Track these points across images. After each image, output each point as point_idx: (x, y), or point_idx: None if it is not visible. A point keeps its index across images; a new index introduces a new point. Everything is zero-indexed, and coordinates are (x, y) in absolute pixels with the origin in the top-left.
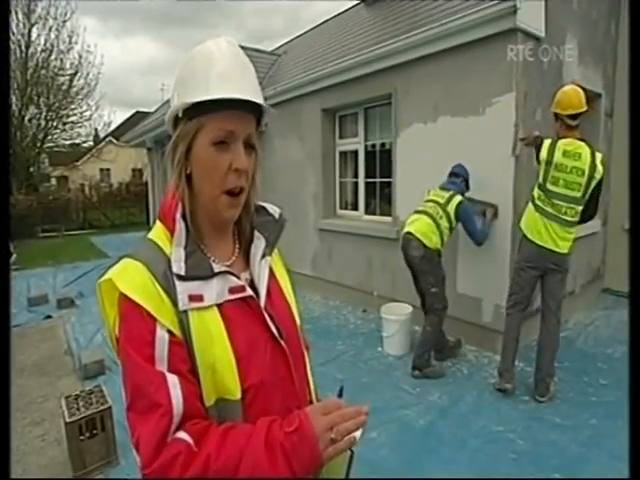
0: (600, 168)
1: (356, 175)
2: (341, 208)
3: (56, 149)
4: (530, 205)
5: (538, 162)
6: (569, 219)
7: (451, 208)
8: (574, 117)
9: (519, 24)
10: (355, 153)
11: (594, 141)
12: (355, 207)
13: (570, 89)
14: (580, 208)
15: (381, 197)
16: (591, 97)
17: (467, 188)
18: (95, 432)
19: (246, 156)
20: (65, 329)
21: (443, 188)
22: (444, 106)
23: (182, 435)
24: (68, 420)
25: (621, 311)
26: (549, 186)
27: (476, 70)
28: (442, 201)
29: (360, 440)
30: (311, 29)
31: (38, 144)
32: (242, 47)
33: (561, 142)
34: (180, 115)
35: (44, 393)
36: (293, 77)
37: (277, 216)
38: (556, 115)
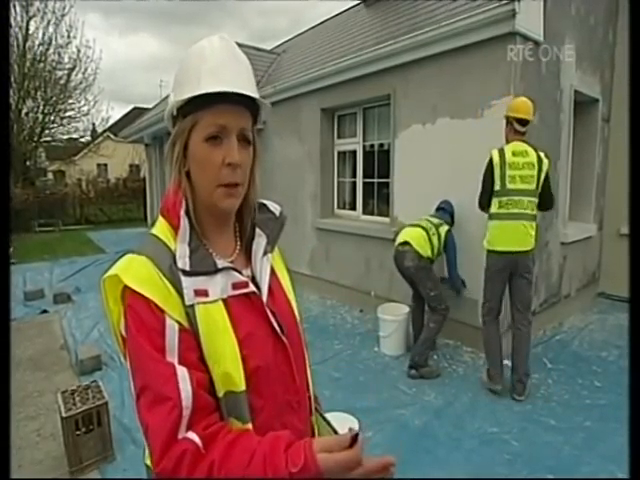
0: (545, 160)
1: (354, 175)
2: (339, 208)
3: (53, 143)
4: (491, 222)
5: (491, 173)
6: (531, 212)
7: (442, 231)
8: (523, 124)
9: (518, 28)
10: (353, 153)
11: (591, 146)
12: (353, 207)
13: (522, 99)
14: (536, 200)
15: (379, 197)
16: (588, 102)
17: (452, 223)
18: (91, 427)
19: (241, 150)
20: (61, 324)
21: (434, 216)
22: (443, 108)
23: (191, 436)
24: (64, 415)
25: (616, 315)
26: (509, 185)
27: (475, 73)
28: (436, 222)
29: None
30: (311, 28)
31: (35, 138)
32: (242, 45)
33: (507, 146)
34: (175, 113)
35: (40, 388)
36: (292, 76)
37: (278, 214)
38: (507, 121)
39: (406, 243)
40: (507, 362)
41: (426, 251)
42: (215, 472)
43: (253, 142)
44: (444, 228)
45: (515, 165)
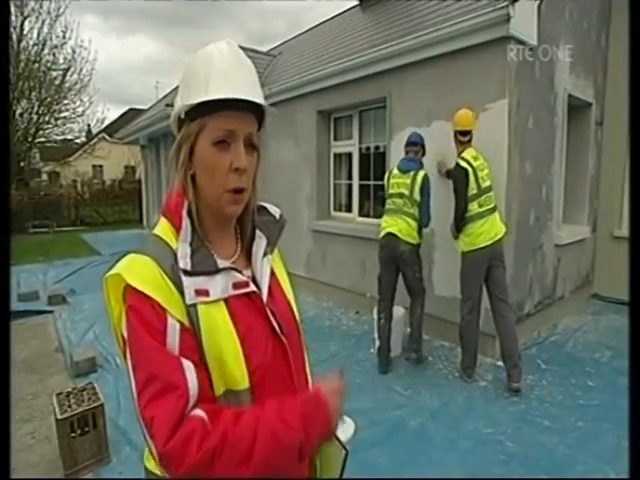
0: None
1: (350, 177)
2: (335, 210)
3: (48, 144)
4: (474, 224)
5: (467, 183)
6: (495, 203)
7: (417, 188)
8: (465, 134)
9: (512, 32)
10: (349, 155)
11: (585, 149)
12: (349, 209)
13: (462, 112)
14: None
15: (375, 199)
16: (582, 106)
17: (424, 153)
18: (87, 429)
19: (247, 155)
20: (56, 326)
21: (403, 171)
22: (438, 111)
23: (197, 412)
24: (59, 417)
25: (609, 316)
26: (483, 185)
27: (469, 76)
28: (407, 192)
29: (352, 441)
30: (307, 30)
31: (29, 139)
32: (239, 47)
33: (466, 155)
34: (183, 117)
35: (34, 390)
36: (288, 78)
37: (278, 216)
38: (454, 134)
39: (395, 236)
40: (499, 363)
41: (415, 238)
42: (230, 436)
43: (257, 147)
44: (419, 177)
45: (480, 167)
